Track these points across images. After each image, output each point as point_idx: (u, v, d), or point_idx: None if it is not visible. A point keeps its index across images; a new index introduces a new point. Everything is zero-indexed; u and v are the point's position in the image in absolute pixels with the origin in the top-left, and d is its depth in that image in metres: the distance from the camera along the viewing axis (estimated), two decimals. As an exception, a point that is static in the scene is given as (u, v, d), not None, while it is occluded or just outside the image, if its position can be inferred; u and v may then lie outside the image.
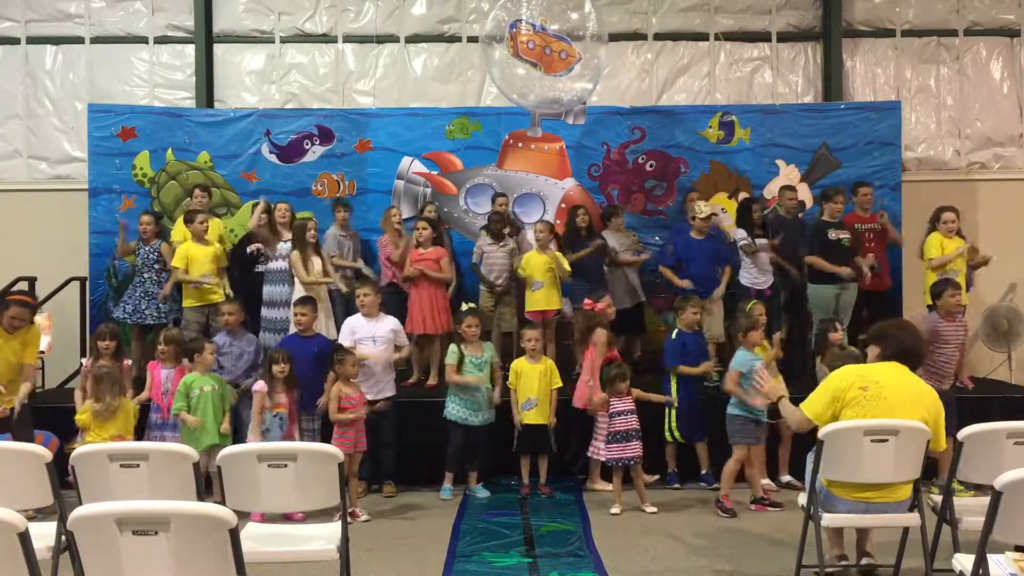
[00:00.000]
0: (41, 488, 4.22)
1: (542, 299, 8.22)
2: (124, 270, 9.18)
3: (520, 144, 9.65)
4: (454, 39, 10.53)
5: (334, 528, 4.46)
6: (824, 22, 10.48)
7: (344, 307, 8.23)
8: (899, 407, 4.42)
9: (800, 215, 9.10)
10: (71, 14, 10.47)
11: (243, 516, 3.98)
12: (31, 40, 10.45)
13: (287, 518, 5.49)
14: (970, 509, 4.57)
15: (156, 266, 8.47)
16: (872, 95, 10.46)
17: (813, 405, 4.58)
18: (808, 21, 10.60)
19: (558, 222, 9.16)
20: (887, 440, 4.38)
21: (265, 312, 8.15)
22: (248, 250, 8.61)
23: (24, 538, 2.84)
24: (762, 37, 10.58)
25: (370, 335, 7.14)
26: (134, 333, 8.55)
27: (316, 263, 8.02)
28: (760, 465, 7.01)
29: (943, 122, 10.53)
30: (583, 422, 7.26)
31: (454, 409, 7.15)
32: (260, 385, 6.58)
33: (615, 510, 6.61)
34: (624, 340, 8.45)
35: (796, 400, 4.80)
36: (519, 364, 7.21)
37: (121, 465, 4.17)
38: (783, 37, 10.58)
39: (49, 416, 7.27)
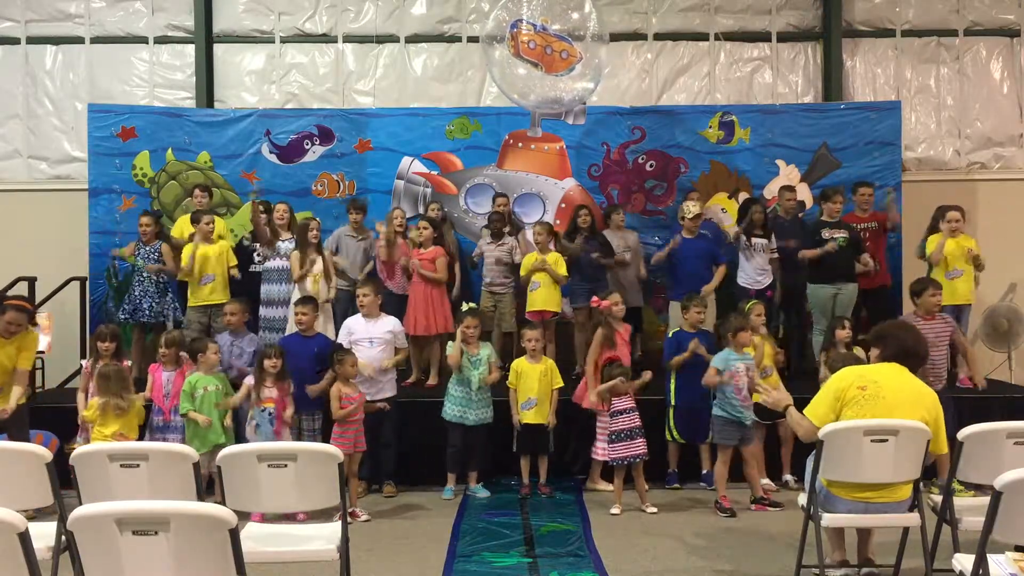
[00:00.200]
0: (41, 488, 4.21)
1: (541, 300, 8.23)
2: (124, 270, 9.20)
3: (520, 144, 9.65)
4: (454, 39, 10.53)
5: (334, 528, 4.46)
6: (824, 22, 10.48)
7: (345, 307, 8.24)
8: (898, 407, 4.42)
9: (800, 215, 9.10)
10: (71, 14, 10.47)
11: (243, 516, 3.98)
12: (31, 40, 10.45)
13: (288, 518, 5.49)
14: (970, 509, 4.57)
15: (156, 264, 8.48)
16: (872, 95, 10.46)
17: (817, 409, 4.57)
18: (808, 21, 10.60)
19: (558, 222, 9.17)
20: (887, 440, 4.38)
21: (263, 311, 8.15)
22: (251, 249, 8.62)
23: (24, 538, 2.84)
24: (762, 37, 10.58)
25: (367, 336, 7.13)
26: (134, 333, 8.56)
27: (317, 263, 8.03)
28: (760, 465, 7.01)
29: (943, 122, 10.54)
30: (583, 422, 7.26)
31: (450, 409, 7.15)
32: (249, 379, 6.66)
33: (615, 510, 6.61)
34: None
35: (800, 402, 4.79)
36: (519, 364, 7.21)
37: (121, 465, 4.17)
38: (783, 37, 10.58)
39: (49, 416, 7.28)
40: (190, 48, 10.40)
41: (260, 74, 10.52)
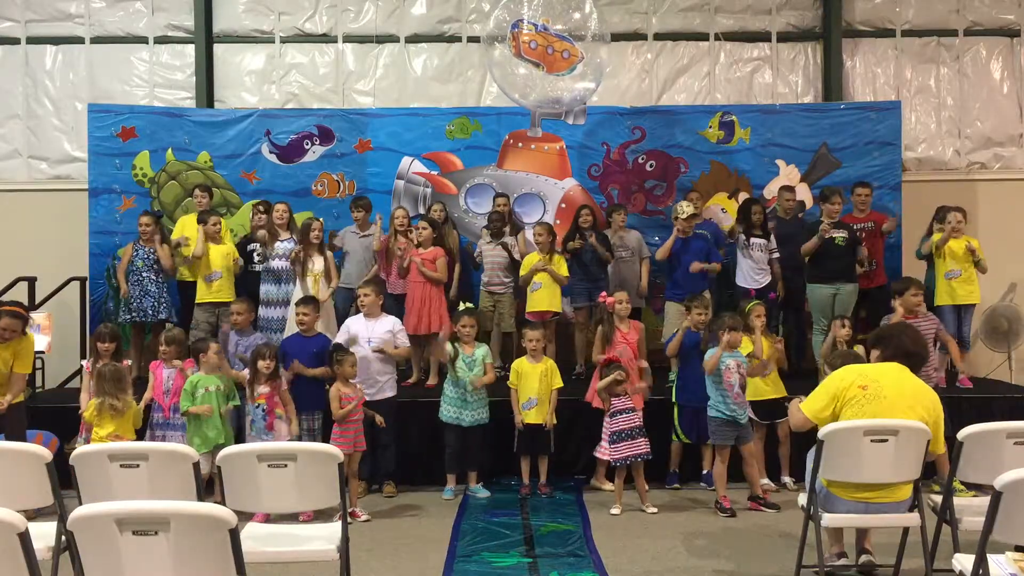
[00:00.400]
0: (41, 488, 4.21)
1: (541, 300, 8.23)
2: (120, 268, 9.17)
3: (520, 144, 9.65)
4: (454, 39, 10.53)
5: (334, 528, 4.46)
6: (824, 22, 10.48)
7: (346, 308, 8.26)
8: (898, 406, 4.42)
9: (800, 215, 9.11)
10: (71, 14, 10.47)
11: (244, 516, 3.98)
12: (31, 40, 10.45)
13: (292, 518, 5.49)
14: (970, 509, 4.57)
15: (155, 266, 8.49)
16: (872, 95, 10.46)
17: (811, 404, 4.59)
18: (808, 21, 10.60)
19: (558, 222, 9.17)
20: (887, 440, 4.38)
21: (262, 311, 8.15)
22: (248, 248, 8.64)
23: (24, 538, 2.84)
24: (762, 37, 10.58)
25: (367, 336, 7.14)
26: (133, 333, 8.56)
27: (319, 263, 8.04)
28: (759, 464, 7.00)
29: (943, 122, 10.53)
30: (583, 422, 7.26)
31: (446, 410, 7.15)
32: (244, 373, 6.76)
33: (615, 510, 6.61)
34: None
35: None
36: (520, 364, 7.21)
37: (121, 465, 4.17)
38: (783, 37, 10.58)
39: (49, 416, 7.29)
40: (190, 48, 10.40)
41: (260, 74, 10.52)
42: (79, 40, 10.46)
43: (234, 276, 8.36)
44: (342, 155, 9.63)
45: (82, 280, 9.48)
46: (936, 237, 8.17)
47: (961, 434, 4.48)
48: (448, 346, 7.24)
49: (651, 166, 9.67)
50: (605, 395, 6.79)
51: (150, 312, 8.39)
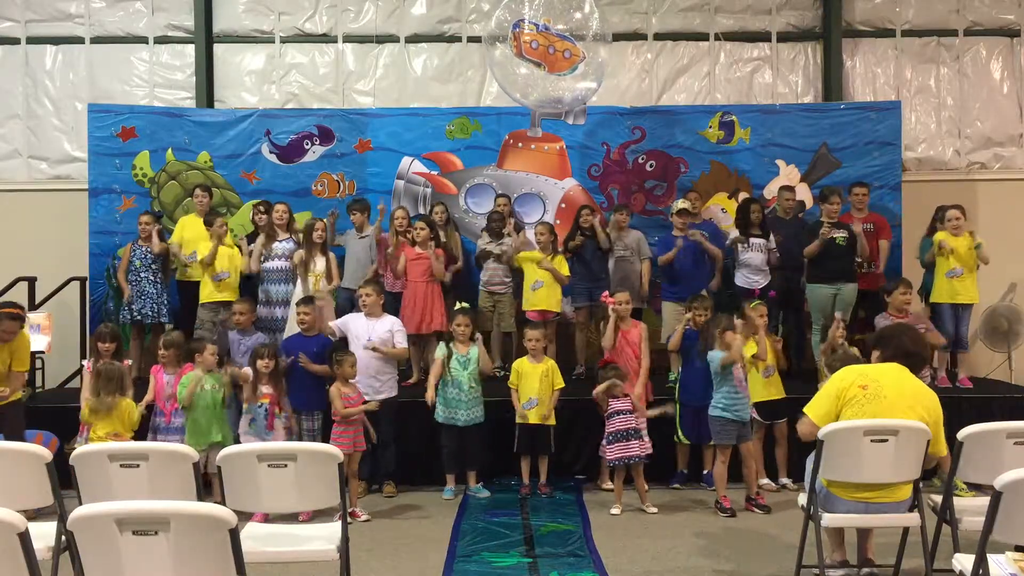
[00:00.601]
0: (41, 488, 4.21)
1: (542, 299, 8.23)
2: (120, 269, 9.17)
3: (520, 144, 9.65)
4: (454, 39, 10.52)
5: (334, 528, 4.46)
6: (824, 22, 10.48)
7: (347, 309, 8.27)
8: (898, 406, 4.42)
9: (800, 215, 9.10)
10: (71, 14, 10.46)
11: (243, 516, 3.98)
12: (31, 40, 10.45)
13: (291, 517, 5.49)
14: (970, 509, 4.57)
15: (154, 266, 8.50)
16: (872, 95, 10.46)
17: (816, 409, 4.57)
18: (808, 21, 10.60)
19: (558, 222, 9.17)
20: (887, 440, 4.38)
21: (262, 311, 8.15)
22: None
23: (24, 538, 2.84)
24: (762, 37, 10.58)
25: (366, 335, 7.14)
26: (133, 333, 8.57)
27: (320, 263, 8.04)
28: (758, 464, 7.00)
29: (943, 122, 10.53)
30: (583, 422, 7.26)
31: (440, 410, 7.16)
32: (247, 371, 6.73)
33: (615, 510, 6.61)
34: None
35: (800, 402, 4.79)
36: (521, 364, 7.22)
37: (121, 465, 4.17)
38: (783, 37, 10.58)
39: (49, 416, 7.30)
40: (190, 48, 10.40)
41: (260, 74, 10.51)
42: (79, 40, 10.45)
43: (240, 274, 8.34)
44: (342, 155, 9.62)
45: (82, 280, 9.47)
46: (940, 236, 8.15)
47: (961, 434, 4.48)
48: (441, 346, 7.25)
49: (651, 166, 9.67)
50: (603, 397, 6.79)
51: (148, 313, 8.41)
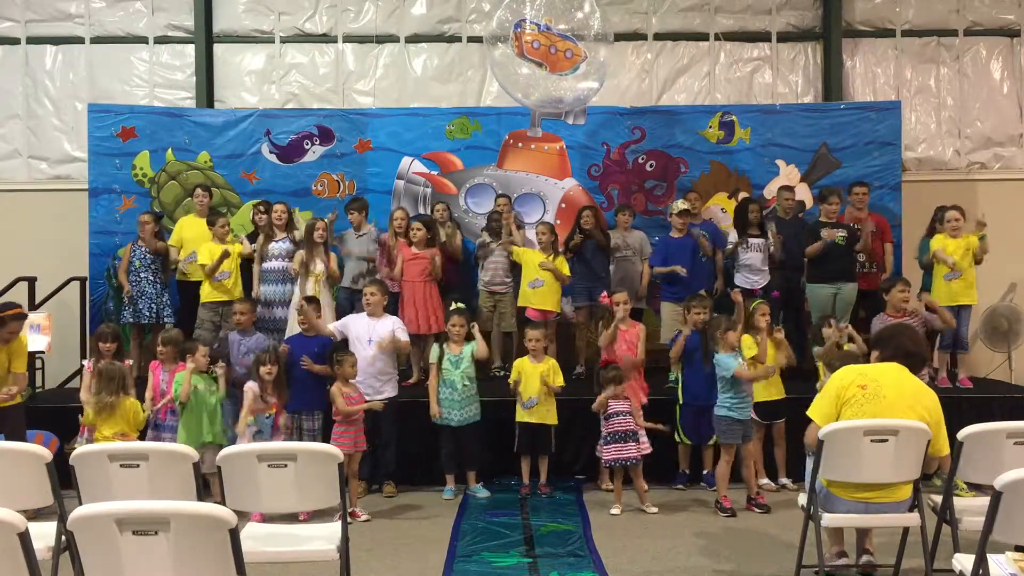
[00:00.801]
0: (41, 488, 4.21)
1: (542, 299, 8.23)
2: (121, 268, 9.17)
3: (520, 144, 9.65)
4: (454, 39, 10.52)
5: (334, 528, 4.46)
6: (824, 22, 10.48)
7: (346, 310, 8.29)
8: (898, 406, 4.42)
9: (800, 215, 9.10)
10: (71, 14, 10.46)
11: (243, 516, 3.98)
12: (31, 40, 10.45)
13: (289, 517, 5.49)
14: (970, 509, 4.57)
15: (154, 266, 8.51)
16: (872, 95, 10.46)
17: (819, 411, 4.56)
18: (808, 21, 10.60)
19: (558, 222, 9.16)
20: (887, 440, 4.38)
21: (261, 311, 8.14)
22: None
23: (24, 538, 2.84)
24: (762, 37, 10.58)
25: (367, 335, 7.15)
26: (133, 332, 8.58)
27: (319, 264, 8.04)
28: (758, 464, 7.00)
29: (943, 122, 10.53)
30: (583, 422, 7.26)
31: (442, 411, 7.15)
32: (251, 385, 6.57)
33: (615, 510, 6.61)
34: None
35: (800, 402, 4.79)
36: (522, 364, 7.22)
37: (121, 465, 4.17)
38: (783, 37, 10.57)
39: (49, 416, 7.30)
40: (190, 48, 10.40)
41: (260, 74, 10.51)
42: (79, 40, 10.45)
43: (239, 260, 8.35)
44: (342, 155, 9.62)
45: (82, 280, 9.47)
46: (937, 239, 8.16)
47: (961, 434, 4.47)
48: (434, 348, 7.25)
49: (651, 166, 9.67)
50: (603, 401, 6.78)
51: (147, 314, 8.41)
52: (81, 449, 4.28)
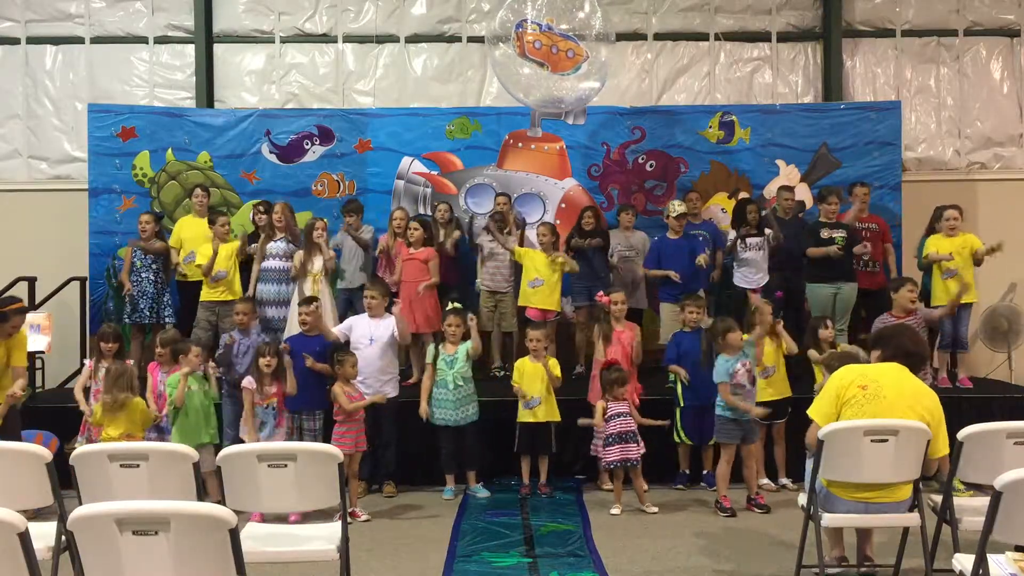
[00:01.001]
0: (41, 488, 4.21)
1: (542, 298, 8.23)
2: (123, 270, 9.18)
3: (520, 144, 9.65)
4: (454, 39, 10.52)
5: (334, 528, 4.46)
6: (824, 22, 10.48)
7: (343, 310, 8.30)
8: (898, 406, 4.41)
9: (800, 215, 9.10)
10: (71, 14, 10.46)
11: (243, 516, 3.98)
12: (31, 40, 10.45)
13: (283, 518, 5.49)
14: (970, 509, 4.57)
15: (154, 266, 8.51)
16: (872, 95, 10.46)
17: (819, 412, 4.55)
18: (808, 21, 10.60)
19: (558, 222, 9.16)
20: (887, 440, 4.37)
21: (259, 311, 8.14)
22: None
23: (24, 538, 2.84)
24: (762, 37, 10.58)
25: (369, 336, 7.15)
26: (133, 333, 8.58)
27: (318, 263, 8.05)
28: (759, 464, 7.00)
29: (943, 122, 10.53)
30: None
31: (434, 412, 7.15)
32: (248, 382, 6.60)
33: (615, 510, 6.61)
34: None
35: (800, 402, 4.79)
36: (523, 364, 7.22)
37: (121, 465, 4.17)
38: (783, 37, 10.58)
39: (49, 416, 7.29)
40: (190, 48, 10.40)
41: (260, 74, 10.51)
42: (79, 40, 10.45)
43: (237, 264, 8.35)
44: (342, 155, 9.62)
45: (82, 280, 9.47)
46: (932, 240, 8.17)
47: (961, 434, 4.48)
48: (430, 348, 7.25)
49: (651, 166, 9.67)
50: (603, 405, 6.77)
51: (148, 314, 8.42)
52: (81, 449, 4.28)
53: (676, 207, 8.43)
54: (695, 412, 7.15)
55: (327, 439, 6.58)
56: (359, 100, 10.45)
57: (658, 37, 10.55)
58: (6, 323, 6.26)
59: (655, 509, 6.64)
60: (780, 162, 9.64)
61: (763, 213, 8.71)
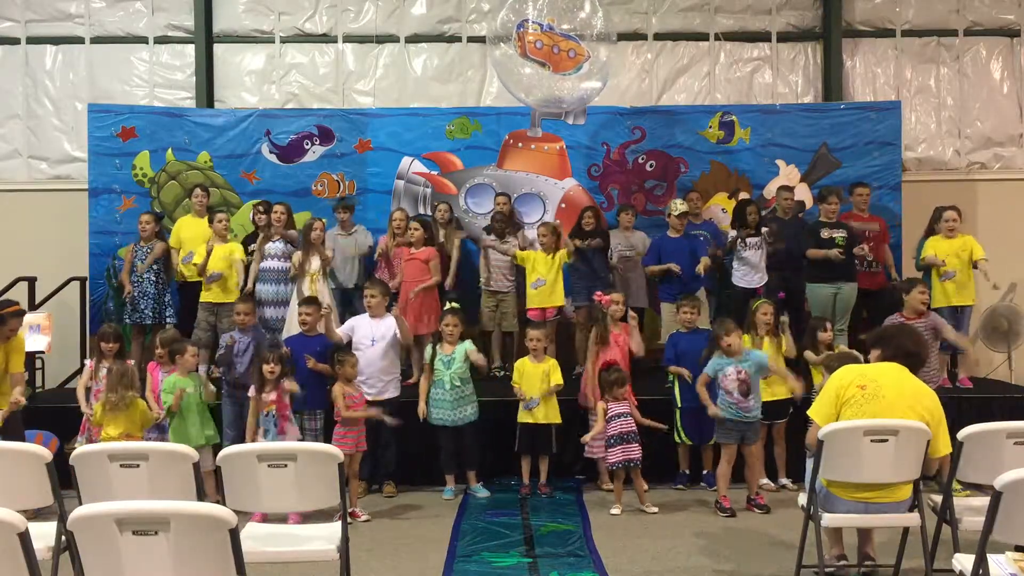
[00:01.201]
0: (41, 488, 4.21)
1: (545, 297, 8.23)
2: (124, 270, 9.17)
3: (520, 144, 9.64)
4: (454, 39, 10.53)
5: (334, 528, 4.46)
6: (824, 22, 10.48)
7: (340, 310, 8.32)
8: (898, 406, 4.41)
9: (800, 215, 9.10)
10: (71, 14, 10.46)
11: (243, 516, 3.98)
12: (31, 40, 10.45)
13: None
14: (970, 509, 4.58)
15: (154, 267, 8.51)
16: (872, 95, 10.46)
17: (820, 412, 4.55)
18: (808, 21, 10.60)
19: (558, 222, 9.15)
20: (887, 440, 4.37)
21: (258, 311, 8.14)
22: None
23: (24, 538, 2.84)
24: (762, 37, 10.58)
25: (370, 336, 7.15)
26: (133, 333, 8.58)
27: (315, 263, 8.06)
28: (759, 465, 6.99)
29: (943, 122, 10.53)
30: (583, 422, 7.26)
31: (433, 412, 7.15)
32: (252, 392, 6.56)
33: (615, 510, 6.61)
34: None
35: (804, 402, 4.79)
36: (523, 364, 7.22)
37: (121, 465, 4.17)
38: (783, 37, 10.58)
39: (49, 416, 7.29)
40: (190, 48, 10.40)
41: (260, 74, 10.51)
42: (79, 40, 10.45)
43: (237, 273, 8.35)
44: (342, 155, 9.62)
45: (82, 280, 9.47)
46: (931, 242, 8.17)
47: (961, 434, 4.48)
48: (428, 348, 7.25)
49: (651, 166, 9.67)
50: (607, 398, 6.77)
51: (149, 314, 8.42)
52: (81, 449, 4.28)
53: (678, 206, 8.44)
54: (694, 412, 7.13)
55: (327, 439, 6.57)
56: (359, 100, 10.45)
57: (658, 37, 10.55)
58: (3, 326, 6.26)
59: (655, 509, 6.64)
60: (780, 162, 9.64)
61: (763, 213, 8.71)
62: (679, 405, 7.26)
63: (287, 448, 4.57)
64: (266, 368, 6.47)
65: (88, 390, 6.97)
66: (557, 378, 7.16)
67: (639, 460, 6.65)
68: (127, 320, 8.52)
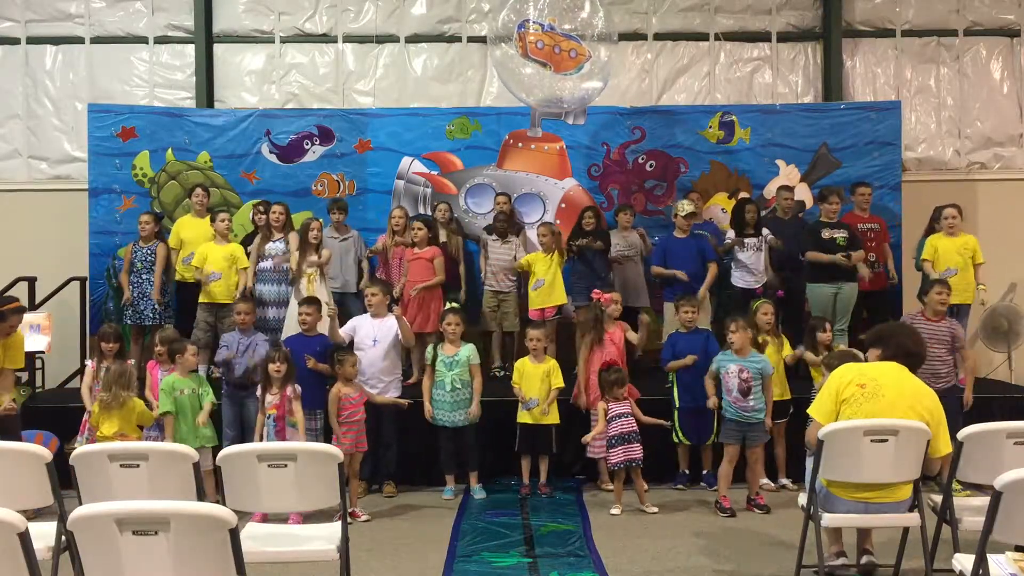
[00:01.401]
0: (41, 488, 4.21)
1: (546, 297, 8.23)
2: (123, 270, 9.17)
3: (520, 144, 9.65)
4: (454, 39, 10.53)
5: (334, 528, 4.46)
6: (824, 22, 10.48)
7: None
8: (897, 405, 4.41)
9: (800, 215, 9.10)
10: (71, 14, 10.46)
11: (243, 516, 3.98)
12: (31, 40, 10.45)
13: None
14: (970, 509, 4.58)
15: (154, 267, 8.50)
16: (872, 95, 10.46)
17: (819, 411, 4.55)
18: (808, 21, 10.60)
19: (559, 222, 9.16)
20: (887, 440, 4.37)
21: (257, 311, 8.13)
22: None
23: (24, 538, 2.84)
24: (762, 37, 10.58)
25: (372, 336, 7.15)
26: (133, 333, 8.58)
27: (312, 261, 8.06)
28: (760, 466, 6.98)
29: (943, 122, 10.54)
30: (583, 422, 7.25)
31: (434, 412, 7.15)
32: (258, 390, 6.59)
33: (615, 510, 6.61)
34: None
35: (800, 402, 4.79)
36: (523, 364, 7.22)
37: (121, 465, 4.17)
38: (783, 37, 10.58)
39: (49, 416, 7.28)
40: (190, 48, 10.40)
41: (260, 74, 10.51)
42: (79, 40, 10.45)
43: (238, 275, 8.35)
44: (342, 155, 9.62)
45: (82, 280, 9.47)
46: (927, 253, 8.18)
47: (961, 434, 4.48)
48: (429, 349, 7.25)
49: (651, 166, 9.67)
50: (608, 399, 6.78)
51: (149, 315, 8.41)
52: (81, 449, 4.28)
53: (685, 206, 8.38)
54: (692, 413, 7.14)
55: (328, 439, 6.57)
56: (359, 100, 10.45)
57: (658, 37, 10.55)
58: (3, 323, 6.26)
59: (655, 509, 6.64)
60: (780, 162, 9.64)
61: (763, 214, 8.71)
62: (677, 405, 7.25)
63: (287, 448, 4.57)
64: (272, 367, 6.47)
65: (91, 390, 6.97)
66: (558, 380, 7.16)
67: (640, 460, 6.65)
68: (127, 320, 8.52)
